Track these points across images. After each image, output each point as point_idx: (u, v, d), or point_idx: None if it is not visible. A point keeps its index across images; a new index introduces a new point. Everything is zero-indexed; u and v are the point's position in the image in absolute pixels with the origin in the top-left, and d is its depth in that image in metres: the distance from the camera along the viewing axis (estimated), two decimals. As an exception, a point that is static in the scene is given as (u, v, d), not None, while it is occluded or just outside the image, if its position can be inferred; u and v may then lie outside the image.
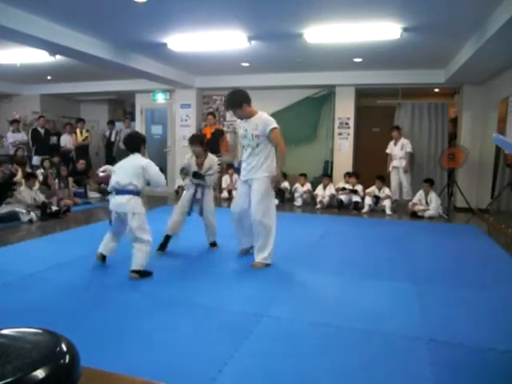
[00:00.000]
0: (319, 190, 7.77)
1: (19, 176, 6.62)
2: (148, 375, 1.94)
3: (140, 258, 3.44)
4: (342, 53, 6.41)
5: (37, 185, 6.65)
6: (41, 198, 6.33)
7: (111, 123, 10.18)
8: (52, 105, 10.59)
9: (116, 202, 3.52)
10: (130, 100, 10.62)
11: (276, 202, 7.61)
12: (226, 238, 4.71)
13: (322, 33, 5.32)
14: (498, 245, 5.02)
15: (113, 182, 3.55)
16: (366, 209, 7.36)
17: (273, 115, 9.42)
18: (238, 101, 3.85)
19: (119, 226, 3.68)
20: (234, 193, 8.22)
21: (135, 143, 3.68)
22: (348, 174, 7.92)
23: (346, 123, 8.45)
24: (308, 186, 8.04)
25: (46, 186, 6.70)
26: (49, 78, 9.26)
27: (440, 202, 7.16)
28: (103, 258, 3.78)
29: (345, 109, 8.43)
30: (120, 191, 3.50)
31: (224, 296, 3.16)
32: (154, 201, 8.09)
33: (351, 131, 8.47)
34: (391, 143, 7.79)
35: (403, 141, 7.67)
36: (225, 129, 9.36)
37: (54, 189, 6.97)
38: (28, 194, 6.19)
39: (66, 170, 7.75)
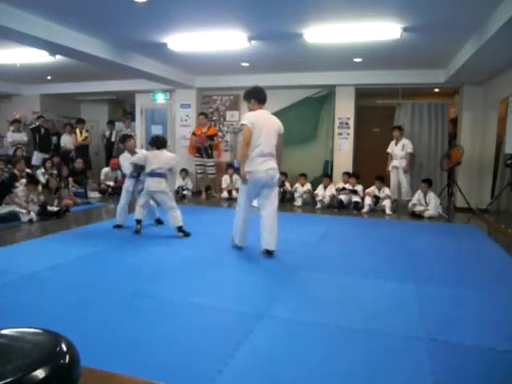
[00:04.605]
0: (320, 190, 7.78)
1: (22, 180, 6.59)
2: (148, 375, 1.94)
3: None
4: (341, 53, 6.41)
5: (39, 189, 6.55)
6: (41, 199, 6.31)
7: (111, 123, 10.20)
8: (52, 105, 10.59)
9: None
10: (130, 100, 10.62)
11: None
12: (224, 238, 4.72)
13: (322, 33, 5.32)
14: (498, 245, 5.02)
15: None
16: (365, 209, 7.36)
17: (273, 115, 9.48)
18: (245, 95, 4.37)
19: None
20: (234, 193, 8.25)
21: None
22: (347, 174, 7.92)
23: (346, 123, 8.45)
24: (308, 186, 8.05)
25: (47, 190, 6.64)
26: (49, 78, 9.26)
27: (439, 202, 7.15)
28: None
29: (345, 109, 8.43)
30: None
31: (224, 296, 3.17)
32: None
33: (351, 131, 8.47)
34: (392, 143, 7.79)
35: (404, 141, 7.67)
36: (225, 129, 9.38)
37: (60, 192, 6.91)
38: (26, 194, 6.16)
39: (67, 170, 7.74)
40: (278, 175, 4.24)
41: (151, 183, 5.09)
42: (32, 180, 6.49)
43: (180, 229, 5.08)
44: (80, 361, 0.93)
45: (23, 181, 6.53)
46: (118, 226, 5.51)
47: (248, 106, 4.38)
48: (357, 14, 4.67)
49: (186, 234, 5.08)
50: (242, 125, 4.18)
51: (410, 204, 7.17)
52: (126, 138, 5.93)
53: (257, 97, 4.25)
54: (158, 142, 5.27)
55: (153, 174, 5.07)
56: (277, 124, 4.29)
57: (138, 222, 5.24)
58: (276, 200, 4.31)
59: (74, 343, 0.95)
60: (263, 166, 4.08)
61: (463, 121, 7.86)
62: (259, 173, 4.09)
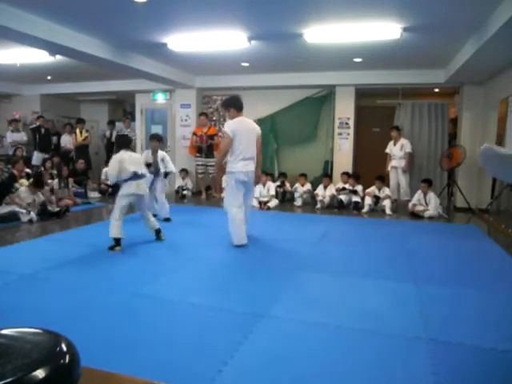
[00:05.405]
0: (320, 190, 7.78)
1: (21, 180, 6.58)
2: (148, 375, 1.95)
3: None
4: (341, 53, 6.41)
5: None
6: (41, 198, 6.32)
7: (111, 123, 10.20)
8: (52, 105, 10.59)
9: None
10: (130, 100, 10.61)
11: (276, 202, 7.70)
12: (224, 237, 4.72)
13: (322, 33, 5.32)
14: (498, 245, 5.02)
15: None
16: (365, 209, 7.35)
17: (273, 115, 9.46)
18: (224, 104, 4.84)
19: None
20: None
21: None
22: (346, 174, 7.91)
23: (346, 123, 8.45)
24: (308, 186, 8.04)
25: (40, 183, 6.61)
26: (49, 78, 9.26)
27: (439, 202, 7.15)
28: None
29: (345, 109, 8.42)
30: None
31: (224, 296, 3.17)
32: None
33: (351, 131, 8.46)
34: (391, 143, 7.80)
35: (403, 141, 7.67)
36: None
37: (53, 188, 6.94)
38: (28, 195, 6.16)
39: (67, 170, 7.74)
40: (254, 176, 4.78)
41: (139, 186, 4.50)
42: (36, 181, 6.47)
43: (159, 232, 4.79)
44: (80, 361, 0.93)
45: (23, 181, 6.53)
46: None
47: (228, 115, 4.81)
48: (357, 13, 4.66)
49: (159, 237, 4.81)
50: (225, 133, 4.61)
51: (410, 204, 7.17)
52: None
53: (236, 105, 4.66)
54: (122, 142, 4.75)
55: (136, 177, 4.49)
56: (256, 129, 4.77)
57: (118, 241, 4.43)
58: (252, 199, 5.19)
59: (74, 343, 0.95)
60: (245, 168, 4.56)
61: (463, 121, 7.86)
62: (240, 174, 4.56)
